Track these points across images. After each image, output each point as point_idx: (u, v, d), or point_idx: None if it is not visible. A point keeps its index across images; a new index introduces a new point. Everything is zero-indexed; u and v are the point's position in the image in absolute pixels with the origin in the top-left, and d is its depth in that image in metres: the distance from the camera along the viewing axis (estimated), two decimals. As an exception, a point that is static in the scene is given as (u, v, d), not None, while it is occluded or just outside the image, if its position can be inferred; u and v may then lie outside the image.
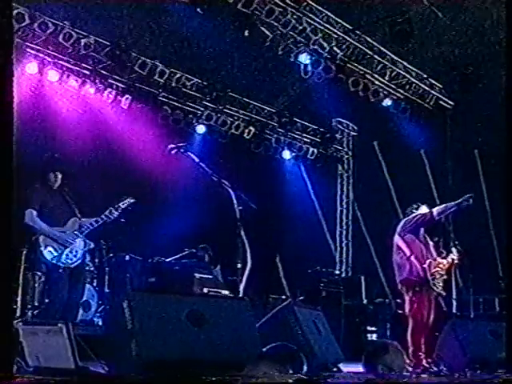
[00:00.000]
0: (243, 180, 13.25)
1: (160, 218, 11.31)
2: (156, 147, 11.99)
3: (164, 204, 11.65)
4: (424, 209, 7.76)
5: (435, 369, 6.95)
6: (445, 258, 7.63)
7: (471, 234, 11.48)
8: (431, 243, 7.78)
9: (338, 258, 15.43)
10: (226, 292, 9.35)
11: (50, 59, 10.65)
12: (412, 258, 7.46)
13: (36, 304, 8.62)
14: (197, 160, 5.99)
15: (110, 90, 11.36)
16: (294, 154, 14.55)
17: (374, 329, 12.75)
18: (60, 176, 6.95)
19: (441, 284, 7.47)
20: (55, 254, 6.70)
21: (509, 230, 5.12)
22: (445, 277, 7.50)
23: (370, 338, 12.68)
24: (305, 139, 14.66)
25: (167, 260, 10.07)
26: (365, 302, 13.24)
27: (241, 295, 5.21)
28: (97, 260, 9.70)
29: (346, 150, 15.69)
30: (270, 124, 13.89)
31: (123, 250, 9.81)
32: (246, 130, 13.49)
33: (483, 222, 12.94)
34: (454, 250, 7.69)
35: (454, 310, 11.59)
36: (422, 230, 7.67)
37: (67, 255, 6.75)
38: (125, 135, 11.67)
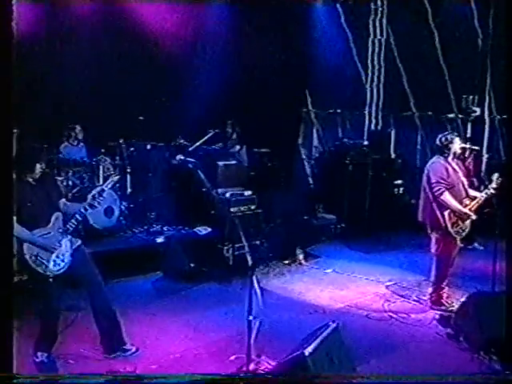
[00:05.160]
0: (275, 26, 12.80)
1: (182, 100, 11.12)
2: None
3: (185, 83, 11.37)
4: (456, 144, 7.32)
5: (453, 308, 7.17)
6: (475, 198, 7.31)
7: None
8: (465, 181, 7.44)
9: (369, 99, 15.18)
10: (252, 207, 9.38)
11: None
12: (433, 204, 7.25)
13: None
14: (207, 185, 5.76)
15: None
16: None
17: (400, 182, 12.80)
18: (44, 166, 5.86)
19: (465, 228, 7.31)
20: (45, 262, 5.69)
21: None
22: (473, 217, 7.25)
23: (396, 193, 12.79)
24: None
25: (190, 149, 9.93)
26: (393, 156, 13.21)
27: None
28: (117, 157, 9.74)
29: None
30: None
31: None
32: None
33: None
34: (493, 179, 7.25)
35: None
36: (452, 173, 7.28)
37: (55, 261, 5.73)
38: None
